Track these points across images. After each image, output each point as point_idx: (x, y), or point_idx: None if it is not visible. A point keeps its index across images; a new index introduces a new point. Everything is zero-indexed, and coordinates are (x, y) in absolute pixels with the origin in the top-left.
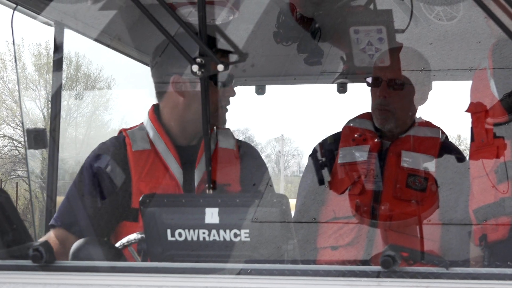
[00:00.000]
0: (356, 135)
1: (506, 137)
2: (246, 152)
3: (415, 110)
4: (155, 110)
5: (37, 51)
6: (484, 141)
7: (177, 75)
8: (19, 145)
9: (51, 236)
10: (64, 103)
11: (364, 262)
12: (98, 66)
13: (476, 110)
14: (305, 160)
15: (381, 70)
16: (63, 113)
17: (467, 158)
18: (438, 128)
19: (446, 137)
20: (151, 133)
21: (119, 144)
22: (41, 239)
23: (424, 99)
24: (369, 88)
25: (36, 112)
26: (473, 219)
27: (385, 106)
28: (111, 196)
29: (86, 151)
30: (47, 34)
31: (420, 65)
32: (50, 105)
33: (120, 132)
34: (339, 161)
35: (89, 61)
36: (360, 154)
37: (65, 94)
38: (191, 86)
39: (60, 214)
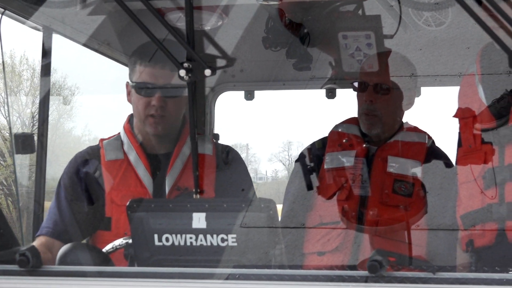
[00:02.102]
0: (343, 141)
1: (493, 142)
2: (233, 158)
3: (401, 115)
4: (130, 120)
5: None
6: (472, 146)
7: (128, 83)
8: None
9: (37, 243)
10: (27, 111)
11: (352, 268)
12: (63, 74)
13: (464, 115)
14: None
15: (367, 74)
16: (26, 121)
17: (454, 163)
18: (425, 133)
19: (433, 142)
20: (125, 143)
21: (94, 154)
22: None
23: (410, 104)
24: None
25: (1, 119)
26: (460, 225)
27: (372, 111)
28: (87, 205)
29: (50, 158)
30: (12, 43)
31: (408, 71)
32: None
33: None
34: (325, 166)
35: (53, 69)
36: (347, 160)
37: (28, 102)
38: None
39: (44, 222)
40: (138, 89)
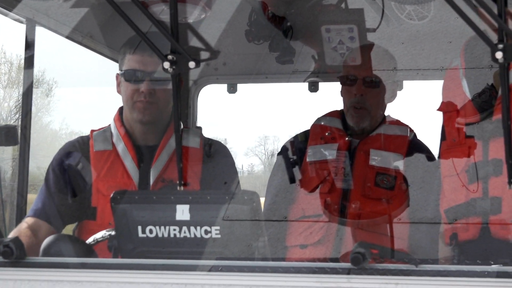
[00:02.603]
0: (326, 134)
1: (477, 137)
2: (217, 151)
3: (385, 108)
4: (120, 112)
5: None
6: (456, 140)
7: (118, 74)
8: None
9: (24, 226)
10: (4, 105)
11: (334, 261)
12: (41, 68)
13: (448, 109)
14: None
15: (355, 68)
16: (3, 115)
17: (436, 156)
18: (407, 126)
19: (415, 135)
20: (114, 134)
21: (83, 144)
22: (13, 231)
23: (393, 96)
24: (340, 87)
25: None
26: (444, 218)
27: (362, 104)
28: (71, 194)
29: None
30: None
31: (391, 64)
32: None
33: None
34: (307, 159)
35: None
36: (329, 153)
37: (6, 97)
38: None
39: (33, 205)
40: (127, 76)
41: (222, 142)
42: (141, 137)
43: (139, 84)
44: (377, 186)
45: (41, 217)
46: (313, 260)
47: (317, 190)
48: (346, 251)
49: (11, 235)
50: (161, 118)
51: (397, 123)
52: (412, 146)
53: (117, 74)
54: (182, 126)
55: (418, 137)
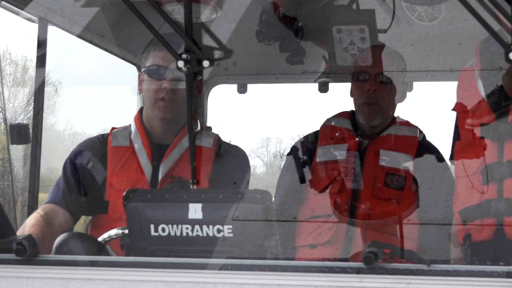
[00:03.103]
0: (336, 134)
1: (493, 138)
2: (227, 151)
3: (395, 108)
4: (141, 112)
5: None
6: (470, 141)
7: (141, 73)
8: None
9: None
10: (9, 105)
11: (344, 261)
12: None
13: (463, 109)
14: None
15: (367, 65)
16: (8, 116)
17: (447, 157)
18: (416, 127)
19: (424, 136)
20: (132, 132)
21: (103, 140)
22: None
23: (403, 97)
24: (349, 88)
25: None
26: (457, 219)
27: (375, 101)
28: (86, 192)
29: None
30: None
31: (400, 65)
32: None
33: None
34: (317, 160)
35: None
36: (339, 153)
37: (11, 97)
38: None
39: (51, 193)
40: (150, 72)
41: (227, 142)
42: (159, 136)
43: (162, 80)
44: (387, 186)
45: (58, 203)
46: (323, 260)
47: (327, 190)
48: (356, 251)
49: (25, 223)
50: (179, 116)
51: (407, 124)
52: (422, 147)
53: (139, 73)
54: (199, 128)
55: (427, 138)
